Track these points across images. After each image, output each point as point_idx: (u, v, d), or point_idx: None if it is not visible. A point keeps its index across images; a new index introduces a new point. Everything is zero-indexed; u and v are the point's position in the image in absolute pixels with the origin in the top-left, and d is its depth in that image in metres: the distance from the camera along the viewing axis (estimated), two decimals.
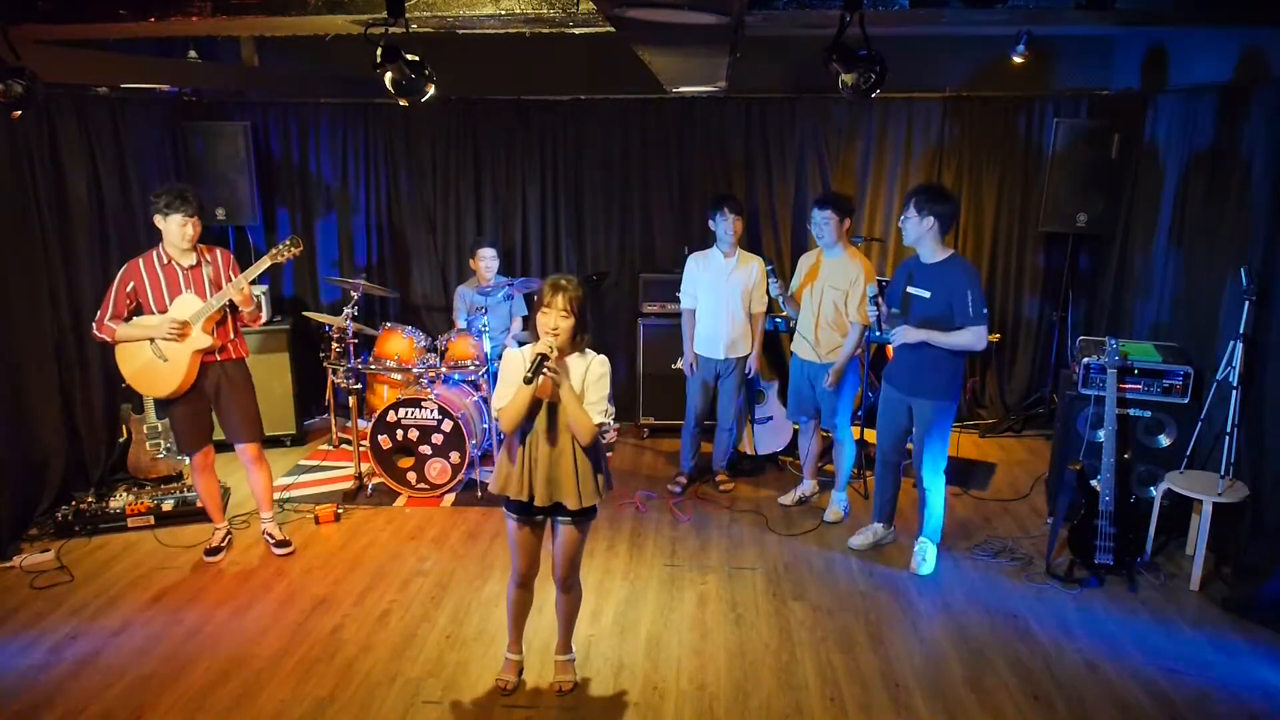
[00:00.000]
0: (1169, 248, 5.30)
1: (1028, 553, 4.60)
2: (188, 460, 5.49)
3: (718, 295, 5.06)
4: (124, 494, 5.04)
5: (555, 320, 3.04)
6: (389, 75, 3.38)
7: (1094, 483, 4.28)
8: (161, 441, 5.39)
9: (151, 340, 4.24)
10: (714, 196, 5.28)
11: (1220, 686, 3.53)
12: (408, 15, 3.19)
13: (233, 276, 4.36)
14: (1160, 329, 5.31)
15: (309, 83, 6.11)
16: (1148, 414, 4.67)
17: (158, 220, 4.21)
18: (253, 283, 4.33)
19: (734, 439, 5.45)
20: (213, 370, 4.37)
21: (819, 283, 4.79)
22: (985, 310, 4.05)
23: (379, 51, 3.26)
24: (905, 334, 4.18)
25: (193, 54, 5.58)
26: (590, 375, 3.16)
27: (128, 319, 4.25)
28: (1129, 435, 4.65)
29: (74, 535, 4.77)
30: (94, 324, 4.27)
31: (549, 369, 2.99)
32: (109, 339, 4.26)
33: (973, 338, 4.05)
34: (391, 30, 3.22)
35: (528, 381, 3.00)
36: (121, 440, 5.46)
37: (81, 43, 4.20)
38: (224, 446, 4.66)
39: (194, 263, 4.31)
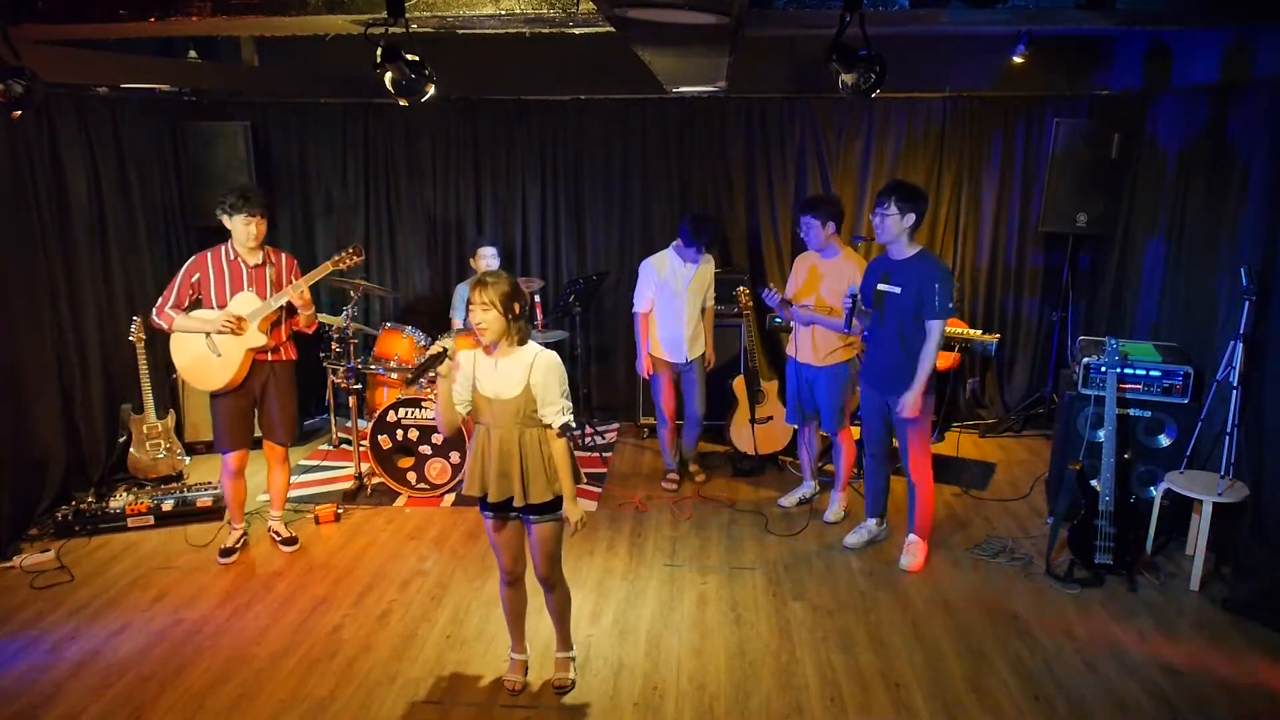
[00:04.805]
0: (1169, 248, 5.30)
1: (1028, 553, 4.60)
2: (188, 460, 5.53)
3: (679, 299, 5.13)
4: (124, 494, 5.04)
5: (479, 315, 3.06)
6: (389, 75, 3.38)
7: (1094, 483, 4.28)
8: (161, 442, 5.39)
9: (207, 334, 4.27)
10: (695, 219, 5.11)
11: (1220, 686, 3.53)
12: (408, 15, 3.20)
13: (294, 280, 4.40)
14: (1160, 329, 5.31)
15: (309, 83, 6.10)
16: (1148, 414, 4.67)
17: (224, 219, 4.28)
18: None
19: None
20: (262, 369, 4.42)
21: (819, 285, 4.78)
22: (951, 305, 4.08)
23: (379, 51, 3.26)
24: (910, 404, 4.17)
25: (193, 54, 5.58)
26: (535, 376, 3.11)
27: (188, 310, 4.28)
28: (1129, 435, 4.65)
29: (74, 535, 4.77)
30: (154, 309, 4.29)
31: (439, 370, 3.08)
32: (166, 326, 4.28)
33: (935, 340, 4.10)
34: (391, 30, 3.22)
35: (408, 383, 3.03)
36: (121, 440, 5.46)
37: (81, 43, 4.20)
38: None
39: (259, 262, 4.37)
